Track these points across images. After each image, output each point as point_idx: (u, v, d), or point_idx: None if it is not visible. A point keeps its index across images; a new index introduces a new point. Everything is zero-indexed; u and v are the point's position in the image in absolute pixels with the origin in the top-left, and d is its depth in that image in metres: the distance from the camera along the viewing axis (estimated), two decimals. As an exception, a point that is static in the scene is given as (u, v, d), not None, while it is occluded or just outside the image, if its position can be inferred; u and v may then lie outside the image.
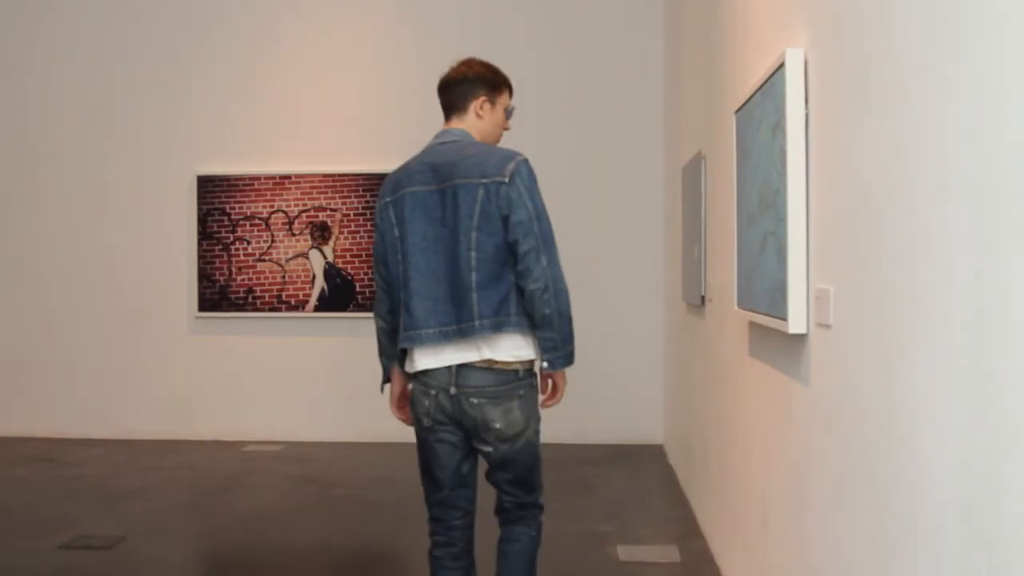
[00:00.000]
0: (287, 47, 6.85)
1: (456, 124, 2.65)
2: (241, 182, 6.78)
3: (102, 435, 6.81)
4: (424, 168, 2.54)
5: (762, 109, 2.69)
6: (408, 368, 2.61)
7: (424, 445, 2.59)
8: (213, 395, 6.86)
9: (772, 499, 2.74)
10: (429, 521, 2.66)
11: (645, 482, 5.49)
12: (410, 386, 2.61)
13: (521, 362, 2.50)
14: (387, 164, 6.71)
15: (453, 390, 2.47)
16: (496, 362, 2.46)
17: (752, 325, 3.09)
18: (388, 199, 2.60)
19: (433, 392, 2.50)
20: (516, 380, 2.49)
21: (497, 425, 2.47)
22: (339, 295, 6.71)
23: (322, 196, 6.72)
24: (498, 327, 2.45)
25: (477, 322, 2.44)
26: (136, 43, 6.92)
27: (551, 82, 6.62)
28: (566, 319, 2.50)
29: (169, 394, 6.87)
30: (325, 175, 6.71)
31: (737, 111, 3.13)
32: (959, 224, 1.45)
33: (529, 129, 6.48)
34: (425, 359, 2.51)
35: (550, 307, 2.45)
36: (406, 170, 2.60)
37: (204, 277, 6.81)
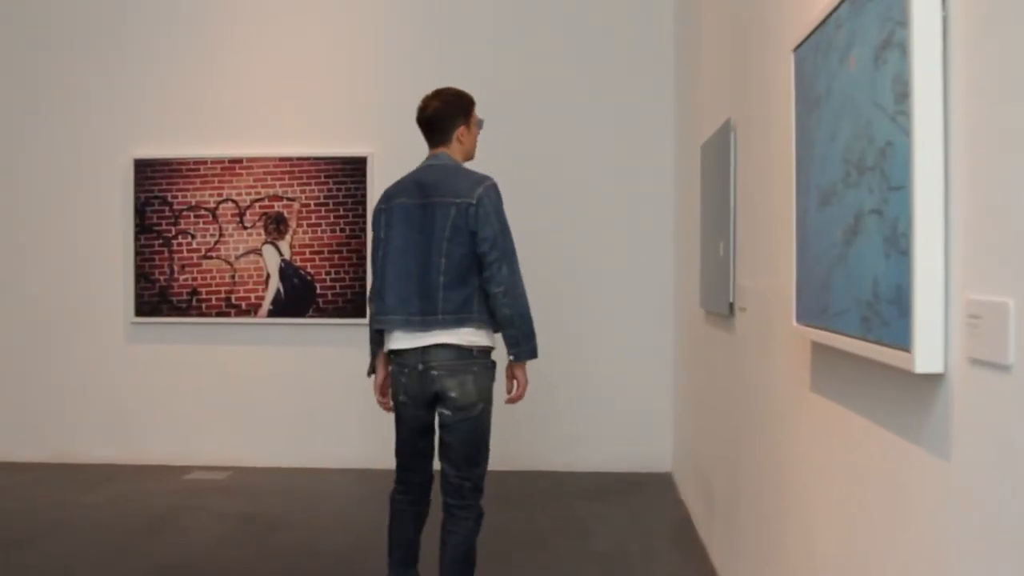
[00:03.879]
0: (237, 13, 5.93)
1: (442, 149, 3.12)
2: (184, 167, 5.87)
3: (29, 458, 5.96)
4: (412, 185, 3.05)
5: (850, 29, 1.79)
6: (385, 347, 3.08)
7: (400, 415, 3.08)
8: (153, 413, 5.96)
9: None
10: (396, 469, 3.14)
11: (653, 524, 4.57)
12: (390, 368, 3.08)
13: (476, 346, 2.95)
14: (350, 147, 5.82)
15: (420, 366, 2.95)
16: (453, 344, 2.93)
17: (819, 348, 2.19)
18: (382, 207, 3.10)
19: (407, 370, 2.98)
20: (471, 358, 2.95)
21: (453, 394, 2.92)
22: (297, 298, 5.80)
23: (278, 183, 5.81)
24: (460, 322, 2.93)
25: (440, 316, 2.92)
26: (63, 7, 6.01)
27: (537, 63, 5.72)
28: (525, 319, 2.98)
29: (104, 411, 5.97)
30: (281, 159, 5.80)
31: (797, 47, 2.24)
32: None
33: (515, 119, 5.60)
34: (399, 341, 2.99)
35: (511, 308, 2.94)
36: (399, 185, 3.11)
37: (142, 276, 5.89)
